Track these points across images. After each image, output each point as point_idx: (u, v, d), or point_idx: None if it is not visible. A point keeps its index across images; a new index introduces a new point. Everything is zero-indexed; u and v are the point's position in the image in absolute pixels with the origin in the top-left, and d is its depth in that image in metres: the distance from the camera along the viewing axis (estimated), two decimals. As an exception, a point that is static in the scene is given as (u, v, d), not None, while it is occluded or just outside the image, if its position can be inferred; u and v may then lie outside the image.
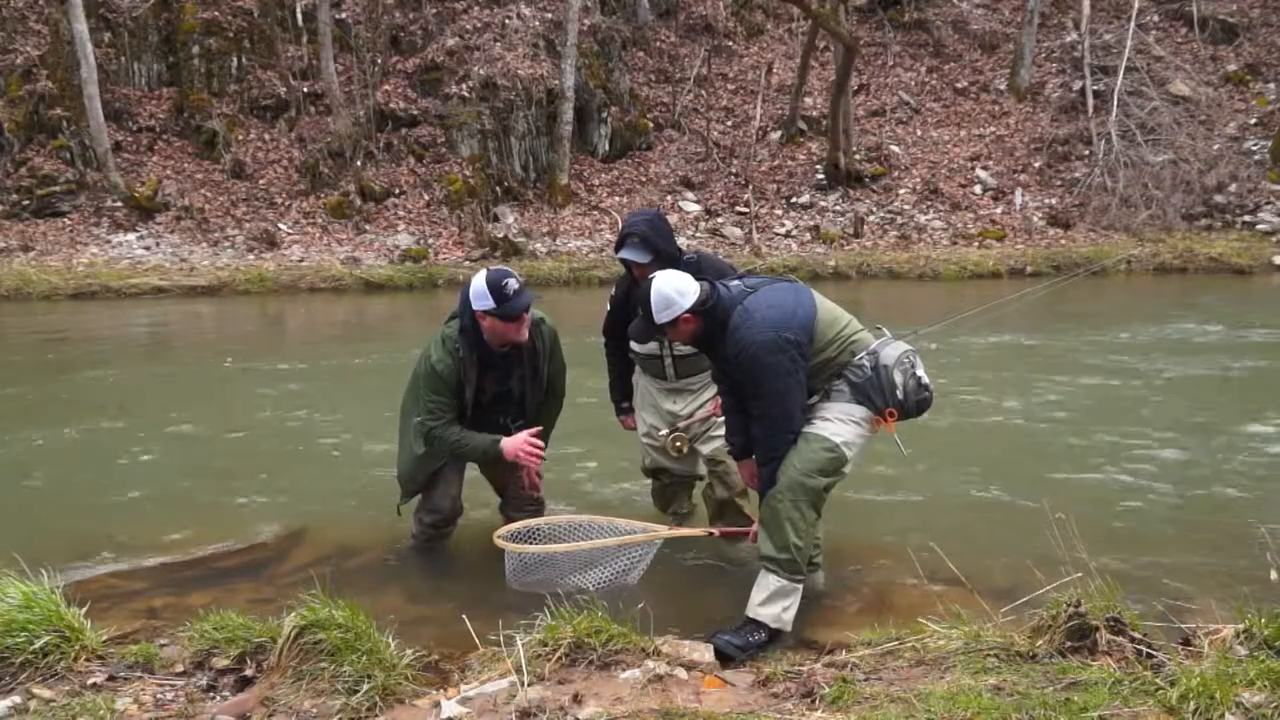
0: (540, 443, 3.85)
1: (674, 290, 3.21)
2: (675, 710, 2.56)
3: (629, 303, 3.88)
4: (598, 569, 3.53)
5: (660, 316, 3.25)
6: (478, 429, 3.87)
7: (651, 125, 20.17)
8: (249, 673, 2.88)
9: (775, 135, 20.31)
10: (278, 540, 4.50)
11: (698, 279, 3.31)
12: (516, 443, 3.80)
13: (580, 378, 4.67)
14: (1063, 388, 7.67)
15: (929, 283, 15.95)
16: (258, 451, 6.13)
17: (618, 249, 3.89)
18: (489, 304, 3.64)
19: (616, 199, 18.71)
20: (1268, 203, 17.57)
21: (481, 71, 18.58)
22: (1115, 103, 18.98)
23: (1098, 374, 8.07)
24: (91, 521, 4.78)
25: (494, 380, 3.86)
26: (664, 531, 3.67)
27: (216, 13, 18.67)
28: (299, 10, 19.23)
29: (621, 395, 4.36)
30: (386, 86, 19.08)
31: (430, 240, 17.07)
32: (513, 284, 3.65)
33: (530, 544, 3.62)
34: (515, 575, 3.61)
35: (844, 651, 3.01)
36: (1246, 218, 17.44)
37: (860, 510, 4.69)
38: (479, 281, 3.67)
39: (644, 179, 19.34)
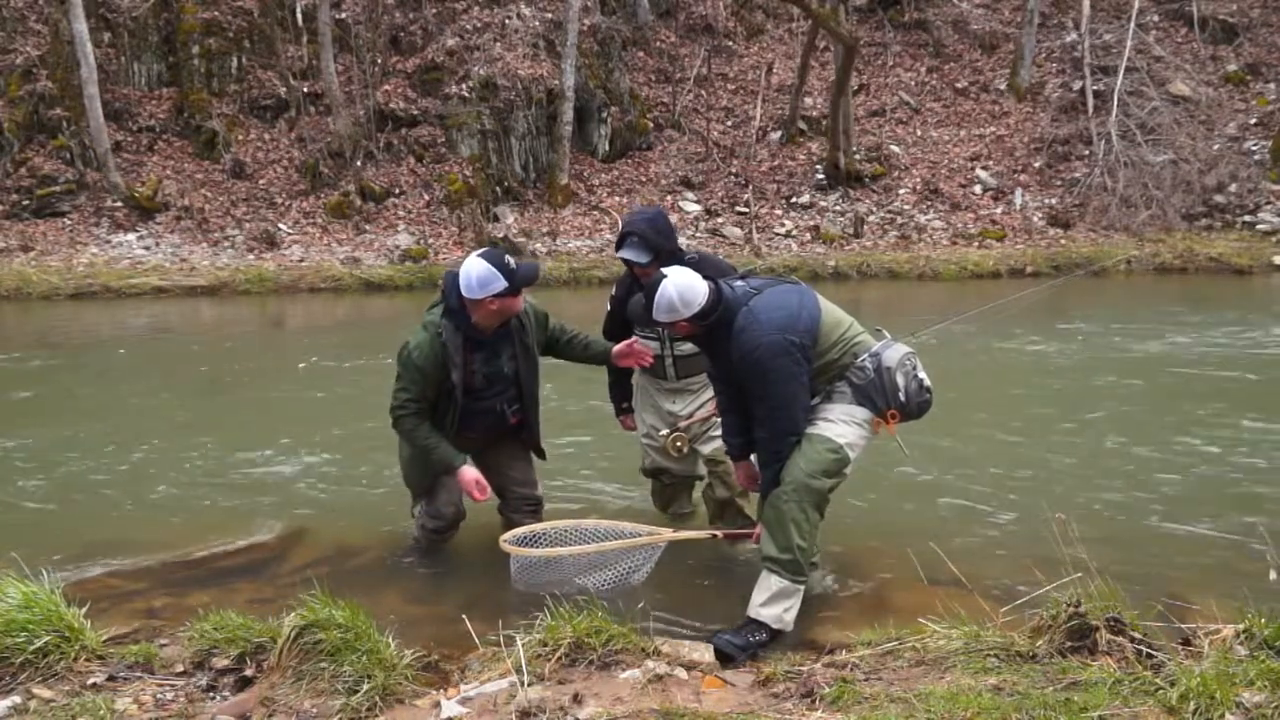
0: (488, 485, 3.81)
1: (679, 299, 3.20)
2: (675, 710, 2.56)
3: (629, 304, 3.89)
4: (602, 571, 3.53)
5: (660, 316, 3.26)
6: (473, 417, 3.86)
7: (651, 125, 20.15)
8: (249, 673, 2.88)
9: (775, 135, 20.30)
10: (278, 540, 4.51)
11: (704, 279, 3.31)
12: (470, 480, 3.75)
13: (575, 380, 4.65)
14: (1061, 387, 7.67)
15: (929, 283, 15.94)
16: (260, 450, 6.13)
17: (618, 248, 3.89)
18: (501, 284, 3.58)
19: (616, 199, 18.69)
20: (1268, 203, 17.55)
21: (481, 71, 18.58)
22: (1115, 103, 18.97)
23: (1097, 374, 8.06)
24: (92, 522, 4.78)
25: (483, 360, 3.81)
26: (667, 535, 3.66)
27: (216, 13, 18.65)
28: (299, 10, 19.21)
29: (621, 396, 4.36)
30: (386, 86, 19.07)
31: (430, 240, 17.06)
32: (511, 259, 3.67)
33: (535, 548, 3.61)
34: (520, 577, 3.61)
35: (844, 651, 3.01)
36: (1246, 218, 17.42)
37: (860, 510, 4.69)
38: (480, 269, 3.57)
39: (644, 179, 19.32)
